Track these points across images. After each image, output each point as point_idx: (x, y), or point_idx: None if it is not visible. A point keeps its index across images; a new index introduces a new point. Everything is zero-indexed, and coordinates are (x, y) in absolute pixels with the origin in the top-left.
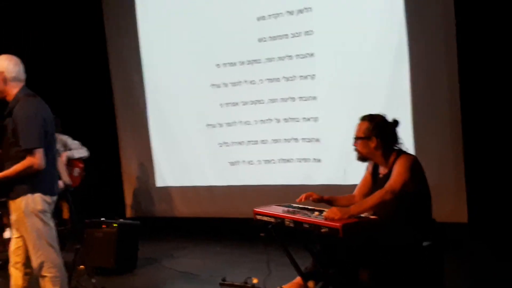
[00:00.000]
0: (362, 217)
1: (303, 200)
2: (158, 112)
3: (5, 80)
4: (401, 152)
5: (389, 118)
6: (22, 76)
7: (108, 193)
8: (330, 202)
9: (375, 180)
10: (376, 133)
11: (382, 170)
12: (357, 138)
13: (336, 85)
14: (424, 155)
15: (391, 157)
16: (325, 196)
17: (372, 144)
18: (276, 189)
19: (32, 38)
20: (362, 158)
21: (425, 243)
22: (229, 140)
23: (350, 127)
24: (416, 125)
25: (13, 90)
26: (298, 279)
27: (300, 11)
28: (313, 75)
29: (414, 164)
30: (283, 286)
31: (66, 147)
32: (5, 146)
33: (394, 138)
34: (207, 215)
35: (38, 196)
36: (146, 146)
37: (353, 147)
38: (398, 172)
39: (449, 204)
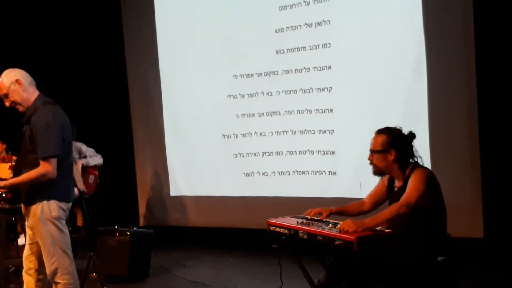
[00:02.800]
0: (377, 230)
1: (310, 216)
2: (174, 121)
3: (24, 88)
4: (417, 165)
5: (405, 131)
6: (34, 83)
7: (122, 201)
8: (340, 214)
9: (390, 194)
10: (394, 146)
11: (397, 183)
12: (374, 152)
13: (353, 98)
14: (440, 169)
15: (407, 170)
16: (333, 208)
17: (391, 157)
18: (290, 201)
19: (50, 45)
20: (378, 172)
21: (439, 258)
22: (244, 151)
23: (366, 140)
24: (433, 139)
25: (31, 97)
26: None
27: (319, 24)
28: (330, 87)
29: (429, 177)
30: None
31: (81, 154)
32: (22, 153)
33: (410, 151)
34: (220, 225)
35: (53, 202)
36: (161, 155)
37: (368, 161)
38: (413, 186)
39: (464, 219)
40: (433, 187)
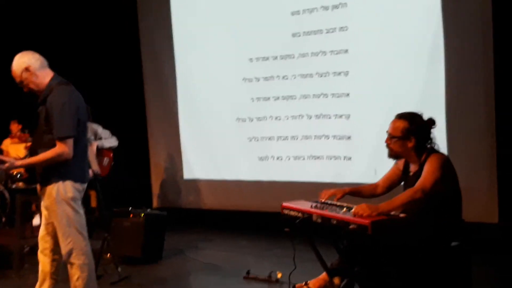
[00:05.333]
0: (392, 214)
1: (325, 199)
2: (189, 104)
3: (34, 73)
4: (433, 151)
5: (425, 117)
6: (46, 63)
7: (136, 182)
8: (353, 194)
9: (406, 178)
10: (415, 134)
11: (413, 168)
12: (393, 137)
13: (369, 82)
14: (457, 155)
15: (423, 155)
16: (347, 189)
17: (410, 144)
18: (305, 186)
19: (64, 28)
20: (394, 156)
21: (453, 243)
22: (259, 135)
23: (382, 125)
24: (450, 125)
25: (45, 79)
26: (323, 275)
27: (335, 7)
28: (347, 71)
29: (445, 163)
30: (308, 281)
31: (97, 136)
32: (38, 134)
33: (428, 137)
34: (233, 208)
35: (69, 183)
36: (175, 138)
37: (385, 144)
38: (429, 171)
39: (480, 204)
40: (449, 172)
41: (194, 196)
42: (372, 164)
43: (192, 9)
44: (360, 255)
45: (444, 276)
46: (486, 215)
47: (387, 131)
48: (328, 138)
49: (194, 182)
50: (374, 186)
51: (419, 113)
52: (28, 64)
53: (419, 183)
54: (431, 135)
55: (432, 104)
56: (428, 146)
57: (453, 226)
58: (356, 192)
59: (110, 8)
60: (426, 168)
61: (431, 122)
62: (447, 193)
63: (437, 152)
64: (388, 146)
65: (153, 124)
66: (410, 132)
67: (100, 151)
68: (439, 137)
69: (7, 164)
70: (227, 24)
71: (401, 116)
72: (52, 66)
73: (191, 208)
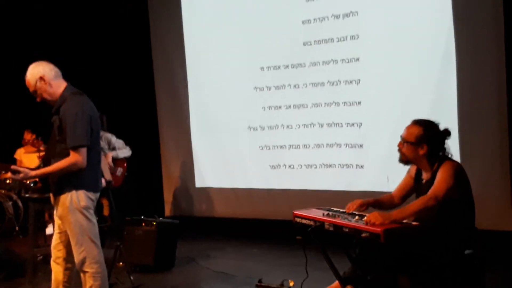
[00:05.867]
0: (404, 222)
1: (352, 210)
2: (200, 113)
3: (49, 83)
4: (445, 158)
5: (441, 127)
6: (60, 73)
7: (148, 191)
8: (375, 206)
9: (418, 186)
10: (428, 142)
11: (425, 176)
12: (406, 141)
13: (381, 90)
14: (470, 161)
15: (435, 164)
16: (370, 200)
17: (422, 151)
18: (317, 194)
19: (77, 37)
20: (405, 161)
21: (467, 252)
22: (270, 143)
23: (394, 133)
24: (462, 132)
25: (59, 89)
26: (335, 284)
27: (346, 15)
28: (358, 80)
29: (458, 170)
30: None
31: (110, 145)
32: (51, 143)
33: (442, 147)
34: (245, 216)
35: (82, 192)
36: (187, 147)
37: (397, 147)
38: (442, 179)
39: (493, 212)
40: (462, 180)
41: (206, 204)
42: (385, 172)
43: (204, 19)
44: (372, 263)
45: (457, 285)
46: (500, 222)
47: (400, 135)
48: (340, 147)
49: (206, 191)
50: (391, 197)
51: (436, 122)
52: (42, 73)
53: (432, 190)
54: (445, 145)
55: (445, 111)
56: (441, 154)
57: (466, 234)
58: (377, 204)
59: (122, 18)
60: (439, 175)
61: (447, 133)
62: (460, 201)
63: (450, 159)
64: (400, 150)
65: (165, 133)
66: (423, 139)
67: (114, 162)
68: (452, 143)
69: (22, 174)
70: (238, 33)
71: (417, 122)
72: (65, 77)
73: (203, 217)
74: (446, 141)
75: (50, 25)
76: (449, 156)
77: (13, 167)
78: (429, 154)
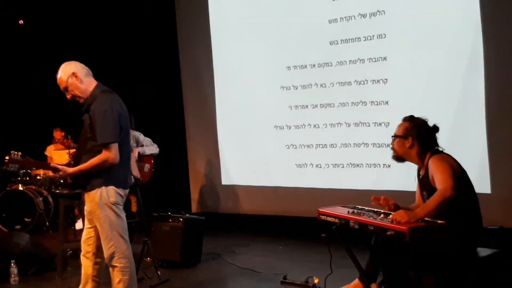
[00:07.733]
0: (429, 221)
1: (380, 201)
2: (227, 112)
3: (80, 80)
4: (435, 152)
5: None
6: (91, 73)
7: (175, 188)
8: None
9: (420, 182)
10: (413, 134)
11: (422, 172)
12: (394, 136)
13: (408, 90)
14: (498, 161)
15: (426, 159)
16: (403, 207)
17: (408, 143)
18: (342, 193)
19: (107, 38)
20: (396, 157)
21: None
22: (297, 142)
23: None
24: (490, 130)
25: (90, 87)
26: (355, 282)
27: (373, 14)
28: (386, 79)
29: (447, 159)
30: (344, 287)
31: (138, 143)
32: (82, 140)
33: (431, 142)
34: (270, 213)
35: (111, 188)
36: (214, 145)
37: (390, 146)
38: (438, 170)
39: None
40: (455, 167)
41: (232, 201)
42: (412, 172)
43: (230, 19)
44: (397, 261)
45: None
46: None
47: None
48: (368, 146)
49: (232, 188)
50: (417, 206)
51: (424, 118)
52: (74, 70)
53: (440, 184)
54: (436, 141)
55: (472, 111)
56: (432, 149)
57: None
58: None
59: (149, 19)
60: (433, 169)
61: (435, 128)
62: (468, 190)
63: (438, 152)
64: (392, 147)
65: (192, 131)
66: (409, 132)
67: (141, 158)
68: (480, 142)
69: (61, 172)
70: (265, 33)
71: (404, 119)
72: (96, 78)
73: (228, 213)
74: (469, 136)
75: (80, 28)
76: (440, 150)
77: (52, 164)
78: (417, 147)
